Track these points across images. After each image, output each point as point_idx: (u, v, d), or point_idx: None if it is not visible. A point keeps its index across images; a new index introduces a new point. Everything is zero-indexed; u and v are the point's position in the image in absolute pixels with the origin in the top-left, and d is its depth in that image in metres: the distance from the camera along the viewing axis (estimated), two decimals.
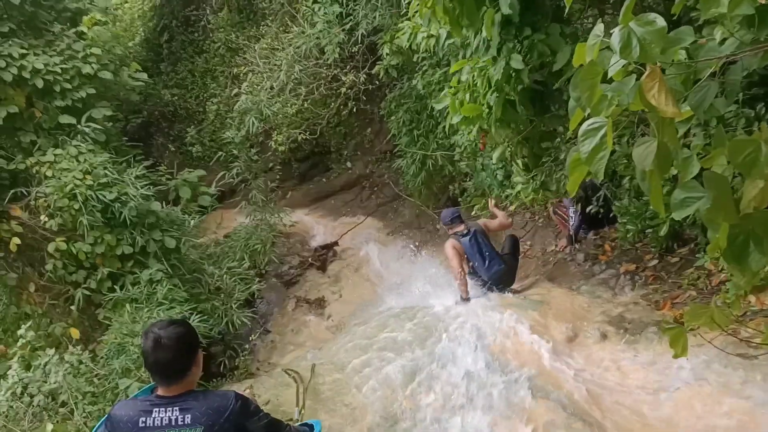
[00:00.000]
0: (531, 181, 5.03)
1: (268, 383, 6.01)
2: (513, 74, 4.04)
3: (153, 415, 2.26)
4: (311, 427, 2.77)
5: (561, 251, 6.74)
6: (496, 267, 5.83)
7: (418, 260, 10.05)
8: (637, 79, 1.82)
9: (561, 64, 3.98)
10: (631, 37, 1.73)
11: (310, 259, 10.99)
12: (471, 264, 5.93)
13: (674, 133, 1.86)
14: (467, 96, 4.31)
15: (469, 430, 3.75)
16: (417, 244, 10.70)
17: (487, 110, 4.18)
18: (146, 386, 2.70)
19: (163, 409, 2.27)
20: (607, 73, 1.89)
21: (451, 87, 4.74)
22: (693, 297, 4.52)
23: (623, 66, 1.86)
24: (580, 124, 1.95)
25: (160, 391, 2.34)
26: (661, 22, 1.73)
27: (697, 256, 4.93)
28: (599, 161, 1.75)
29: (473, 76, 4.16)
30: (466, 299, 5.69)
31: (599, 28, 1.89)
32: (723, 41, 1.98)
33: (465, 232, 5.99)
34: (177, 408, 2.26)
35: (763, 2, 1.78)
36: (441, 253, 9.70)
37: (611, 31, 1.81)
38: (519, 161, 5.17)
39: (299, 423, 2.97)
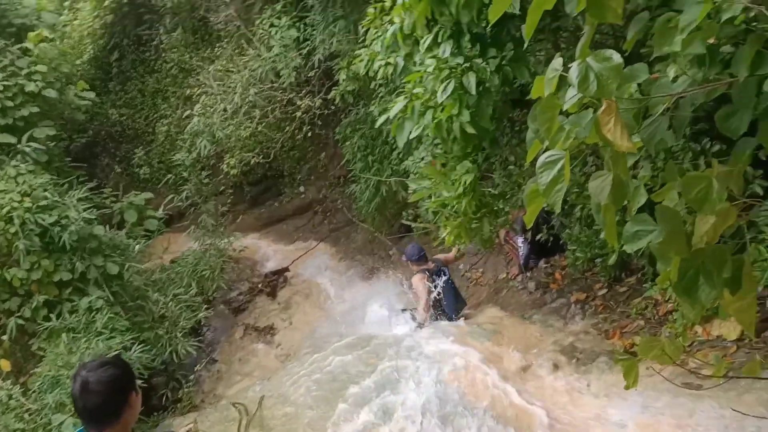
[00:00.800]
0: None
1: (213, 417, 5.76)
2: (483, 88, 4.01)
3: None
4: None
5: (512, 279, 6.79)
6: (462, 303, 6.45)
7: (370, 286, 9.97)
8: (593, 112, 1.83)
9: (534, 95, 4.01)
10: (589, 72, 1.74)
11: (260, 285, 10.75)
12: (439, 299, 6.25)
13: (626, 166, 1.88)
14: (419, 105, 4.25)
15: None
16: (369, 270, 10.65)
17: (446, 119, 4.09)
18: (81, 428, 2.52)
19: None
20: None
21: (402, 94, 4.66)
22: (641, 326, 4.60)
23: (578, 99, 1.88)
24: (537, 155, 1.94)
25: None
26: (617, 58, 1.75)
27: (644, 286, 5.02)
28: (557, 193, 1.74)
29: (432, 81, 4.08)
30: (421, 324, 6.12)
31: (557, 62, 1.90)
32: (675, 78, 2.03)
33: (436, 270, 6.32)
34: None
35: (713, 42, 1.83)
36: (392, 278, 9.71)
37: (569, 66, 1.82)
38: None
39: None
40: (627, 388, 1.94)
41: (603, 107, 1.74)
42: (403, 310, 7.01)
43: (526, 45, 3.06)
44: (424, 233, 8.66)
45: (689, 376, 3.28)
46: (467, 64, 4.05)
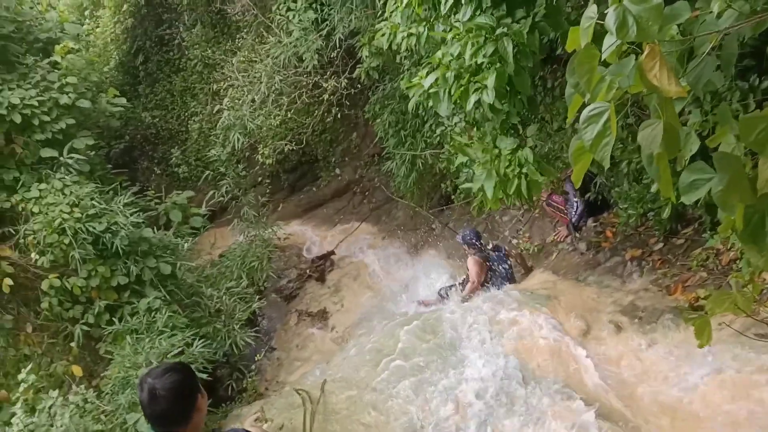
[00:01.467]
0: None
1: (279, 404, 5.88)
2: (519, 50, 3.76)
3: None
4: None
5: (561, 241, 6.64)
6: (510, 281, 6.52)
7: (416, 262, 9.96)
8: (635, 59, 1.73)
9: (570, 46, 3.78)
10: (627, 16, 1.65)
11: (308, 271, 10.88)
12: (492, 278, 6.52)
13: (675, 112, 1.78)
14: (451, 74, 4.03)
15: None
16: (414, 245, 10.63)
17: (478, 89, 3.88)
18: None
19: None
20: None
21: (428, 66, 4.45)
22: (704, 278, 4.39)
23: (617, 47, 1.78)
24: (580, 110, 1.86)
25: None
26: None
27: (703, 236, 4.79)
28: (604, 148, 1.66)
29: (461, 46, 3.85)
30: (464, 299, 6.25)
31: (592, 9, 1.80)
32: (719, 15, 1.90)
33: (498, 248, 6.67)
34: None
35: None
36: (439, 251, 9.67)
37: (604, 12, 1.73)
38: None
39: None
40: (701, 346, 1.86)
41: (646, 52, 1.64)
42: (440, 292, 7.23)
43: None
44: (466, 203, 8.57)
45: (762, 326, 3.12)
46: (503, 29, 3.79)
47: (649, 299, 4.54)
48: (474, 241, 6.64)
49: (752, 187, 1.66)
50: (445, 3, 4.11)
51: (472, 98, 3.78)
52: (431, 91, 4.12)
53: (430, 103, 4.24)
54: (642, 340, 4.11)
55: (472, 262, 6.53)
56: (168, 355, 6.69)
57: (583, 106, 1.84)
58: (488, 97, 3.69)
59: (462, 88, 3.85)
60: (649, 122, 1.66)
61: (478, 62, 3.76)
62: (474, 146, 4.42)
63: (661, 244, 5.14)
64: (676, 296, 4.46)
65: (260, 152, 9.60)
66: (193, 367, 6.58)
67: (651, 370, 3.90)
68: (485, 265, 6.51)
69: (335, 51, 8.83)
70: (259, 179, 11.03)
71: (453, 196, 9.19)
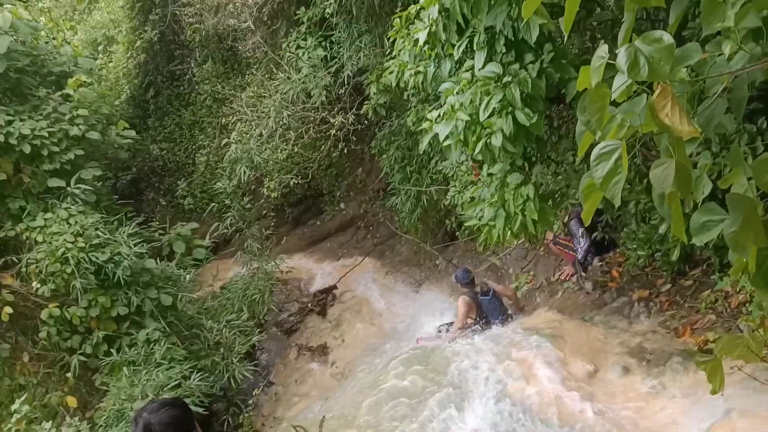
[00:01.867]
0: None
1: None
2: (527, 95, 3.84)
3: None
4: None
5: (567, 279, 6.58)
6: (508, 317, 6.67)
7: (419, 298, 9.88)
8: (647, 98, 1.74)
9: (578, 88, 3.85)
10: (639, 56, 1.65)
11: (309, 305, 10.77)
12: (482, 317, 6.66)
13: (686, 153, 1.78)
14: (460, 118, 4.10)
15: None
16: (417, 281, 10.55)
17: (486, 133, 3.96)
18: None
19: None
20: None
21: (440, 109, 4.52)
22: (713, 321, 4.29)
23: (627, 87, 1.79)
24: (590, 148, 1.85)
25: None
26: (668, 39, 1.66)
27: (711, 278, 4.72)
28: (615, 185, 1.64)
29: (472, 95, 3.93)
30: (453, 339, 6.34)
31: (604, 49, 1.82)
32: (730, 57, 1.91)
33: (485, 290, 6.77)
34: None
35: None
36: (442, 288, 9.61)
37: (616, 52, 1.74)
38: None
39: None
40: (713, 392, 1.80)
41: (657, 91, 1.64)
42: (440, 328, 7.38)
43: (565, 38, 2.95)
44: (470, 239, 8.54)
45: None
46: (508, 78, 3.90)
47: (657, 341, 4.43)
48: (465, 281, 6.82)
49: (766, 230, 1.63)
50: (458, 49, 4.20)
51: (481, 143, 3.83)
52: (444, 144, 4.18)
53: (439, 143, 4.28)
54: (650, 384, 3.99)
55: (460, 302, 6.75)
56: (165, 388, 6.60)
57: (594, 144, 1.84)
58: (497, 140, 3.75)
59: (475, 137, 3.91)
60: (661, 161, 1.65)
61: (489, 111, 3.82)
62: (481, 184, 4.43)
63: (668, 285, 5.06)
64: (684, 339, 4.37)
65: (266, 185, 9.65)
66: (189, 401, 6.53)
67: (660, 414, 3.77)
68: (473, 305, 6.68)
69: (343, 87, 8.95)
70: (264, 212, 11.04)
71: (458, 233, 9.16)
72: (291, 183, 9.81)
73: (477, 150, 3.87)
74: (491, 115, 3.98)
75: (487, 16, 3.84)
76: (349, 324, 10.14)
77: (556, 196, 4.45)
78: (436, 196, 8.72)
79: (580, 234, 6.18)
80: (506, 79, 3.89)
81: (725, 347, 1.89)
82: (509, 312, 6.80)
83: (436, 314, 8.75)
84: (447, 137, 4.09)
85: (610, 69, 1.81)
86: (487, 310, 6.66)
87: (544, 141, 4.35)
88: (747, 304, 4.14)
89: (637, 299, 5.13)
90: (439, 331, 7.35)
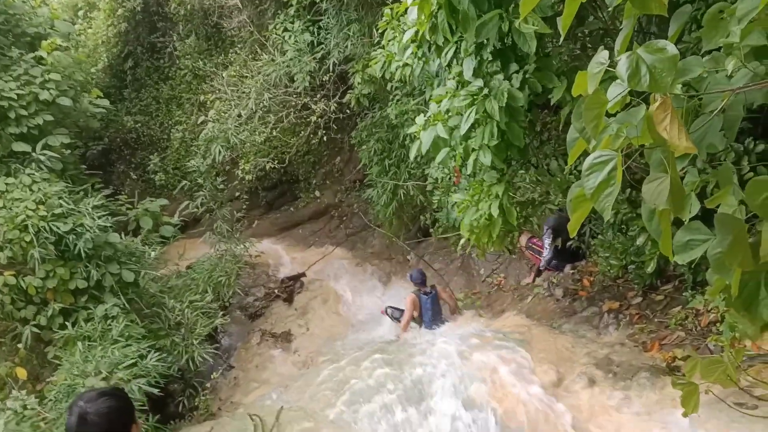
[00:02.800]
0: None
1: (231, 427, 5.62)
2: (508, 106, 3.83)
3: None
4: None
5: (531, 284, 6.61)
6: (440, 322, 7.25)
7: (388, 291, 9.82)
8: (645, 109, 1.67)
9: (557, 98, 3.83)
10: (641, 65, 1.59)
11: (276, 291, 10.64)
12: (420, 315, 7.34)
13: (677, 170, 1.72)
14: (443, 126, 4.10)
15: None
16: (387, 274, 10.50)
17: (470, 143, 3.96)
18: None
19: None
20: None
21: (424, 113, 4.52)
22: (681, 338, 4.27)
23: (622, 97, 1.73)
24: (580, 157, 1.79)
25: None
26: (672, 49, 1.60)
27: (683, 294, 4.70)
28: (607, 198, 1.58)
29: (457, 104, 3.92)
30: (397, 337, 7.20)
31: (603, 55, 1.75)
32: (732, 73, 1.86)
33: (428, 291, 7.39)
34: None
35: None
36: (411, 283, 9.58)
37: (617, 59, 1.67)
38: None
39: None
40: (685, 415, 1.77)
41: (657, 103, 1.58)
42: (393, 309, 8.02)
43: (561, 39, 2.90)
44: (443, 238, 8.51)
45: (742, 395, 2.99)
46: (487, 91, 3.90)
47: (624, 354, 4.41)
48: (418, 281, 7.48)
49: (755, 254, 1.59)
50: (446, 55, 4.16)
51: (472, 158, 3.81)
52: (437, 160, 4.15)
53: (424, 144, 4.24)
54: (615, 397, 3.93)
55: (408, 299, 7.41)
56: (120, 366, 6.41)
57: (585, 153, 1.78)
58: (486, 158, 3.73)
59: (462, 150, 3.88)
60: (655, 176, 1.59)
61: (470, 123, 3.80)
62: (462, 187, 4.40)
63: (639, 299, 5.04)
64: (652, 354, 4.34)
65: (241, 167, 9.47)
66: (144, 381, 6.36)
67: (623, 429, 3.72)
68: (417, 303, 7.32)
69: (328, 74, 8.82)
70: (237, 194, 10.84)
71: (431, 230, 9.13)
72: (267, 167, 9.65)
73: (469, 170, 3.85)
74: (473, 126, 3.97)
75: (476, 33, 3.80)
76: (315, 313, 10.03)
77: (536, 202, 4.41)
78: (412, 192, 8.66)
79: (548, 243, 6.21)
80: (485, 91, 3.90)
81: (703, 371, 1.85)
82: (443, 318, 7.34)
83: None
84: (431, 147, 4.05)
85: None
86: (423, 310, 7.31)
87: (526, 147, 4.32)
88: (717, 324, 4.13)
89: (607, 310, 5.11)
90: (387, 312, 8.10)
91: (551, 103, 4.31)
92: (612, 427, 3.72)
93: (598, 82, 1.70)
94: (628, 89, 1.68)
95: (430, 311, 7.25)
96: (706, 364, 1.84)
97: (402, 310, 7.61)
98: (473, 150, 3.96)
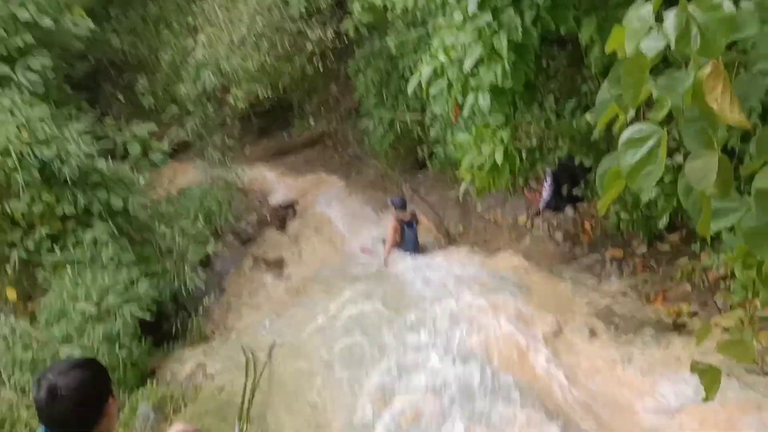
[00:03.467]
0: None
1: (223, 353, 5.67)
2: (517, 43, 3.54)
3: None
4: None
5: (529, 221, 6.51)
6: (414, 249, 7.67)
7: (381, 221, 9.74)
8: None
9: (586, 40, 3.54)
10: (691, 25, 1.40)
11: (268, 217, 10.55)
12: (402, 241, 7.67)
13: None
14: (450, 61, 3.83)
15: None
16: (381, 205, 10.39)
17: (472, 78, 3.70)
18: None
19: None
20: None
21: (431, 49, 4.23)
22: (687, 292, 4.17)
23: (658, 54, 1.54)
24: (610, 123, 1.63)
25: None
26: (728, 6, 1.40)
27: (692, 247, 4.46)
28: (646, 177, 1.42)
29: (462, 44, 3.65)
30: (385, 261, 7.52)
31: (646, 8, 1.55)
32: None
33: (409, 221, 7.71)
34: None
35: None
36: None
37: (664, 13, 1.47)
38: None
39: None
40: (706, 400, 1.69)
41: (709, 70, 1.40)
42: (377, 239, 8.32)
43: None
44: (440, 171, 8.36)
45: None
46: (496, 25, 3.58)
47: (627, 305, 4.30)
48: (398, 205, 7.81)
49: None
50: None
51: (469, 98, 3.55)
52: (432, 94, 3.88)
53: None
54: (617, 353, 3.85)
55: (390, 227, 7.70)
56: (111, 291, 6.38)
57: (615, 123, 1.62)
58: (485, 101, 3.47)
59: (461, 87, 3.61)
60: (699, 154, 1.43)
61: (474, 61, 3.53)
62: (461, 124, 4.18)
63: (644, 248, 4.85)
64: (656, 306, 4.21)
65: (233, 93, 9.08)
66: (136, 306, 6.36)
67: (625, 387, 3.62)
68: (398, 229, 7.62)
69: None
70: (228, 119, 10.48)
71: (428, 162, 8.95)
72: (260, 94, 9.27)
73: (467, 112, 3.61)
74: (477, 64, 3.70)
75: None
76: (307, 241, 9.99)
77: (543, 150, 4.22)
78: (410, 124, 8.41)
79: (548, 184, 6.06)
80: (495, 26, 3.59)
81: (721, 348, 1.78)
82: (423, 245, 7.80)
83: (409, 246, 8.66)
84: (431, 83, 3.79)
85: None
86: (406, 237, 7.64)
87: (533, 87, 4.08)
88: (726, 280, 3.97)
89: (610, 258, 4.94)
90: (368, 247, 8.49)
91: (564, 40, 4.04)
92: (614, 383, 3.65)
93: (638, 42, 1.51)
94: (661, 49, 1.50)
95: (411, 242, 7.62)
96: (728, 344, 1.76)
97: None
98: (472, 89, 3.73)
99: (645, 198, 1.37)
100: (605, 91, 1.71)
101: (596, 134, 3.53)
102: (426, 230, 8.19)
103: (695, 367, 1.66)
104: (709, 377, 1.64)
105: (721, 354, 1.74)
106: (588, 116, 4.25)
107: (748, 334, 1.72)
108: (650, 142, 1.40)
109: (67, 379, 1.78)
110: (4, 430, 4.89)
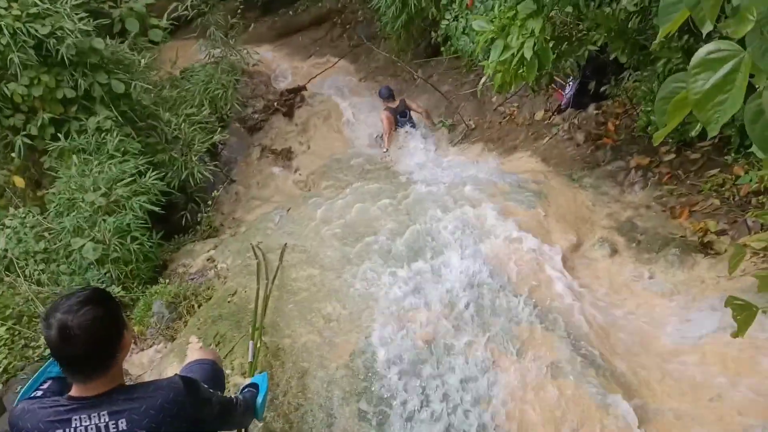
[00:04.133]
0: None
1: (233, 248, 5.64)
2: None
3: (73, 425, 1.70)
4: (257, 386, 2.36)
5: (550, 119, 6.18)
6: (410, 127, 8.25)
7: (428, 112, 9.40)
8: None
9: None
10: None
11: (275, 104, 10.22)
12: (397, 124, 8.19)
13: None
14: None
15: (468, 365, 3.19)
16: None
17: None
18: (43, 370, 2.09)
19: (86, 415, 1.71)
20: None
21: None
22: (715, 207, 3.88)
23: None
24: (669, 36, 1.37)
25: (75, 391, 1.75)
26: None
27: (725, 158, 4.11)
28: (718, 107, 1.20)
29: None
30: (386, 150, 8.04)
31: None
32: None
33: (401, 110, 8.18)
34: (105, 412, 1.71)
35: None
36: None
37: None
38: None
39: (244, 387, 2.46)
40: (736, 336, 1.59)
41: None
42: (379, 136, 8.64)
43: None
44: (455, 58, 7.90)
45: None
46: None
47: (650, 219, 4.07)
48: (386, 96, 8.23)
49: None
50: None
51: None
52: None
53: None
54: (639, 272, 3.67)
55: (383, 117, 8.13)
56: (118, 183, 6.29)
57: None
58: None
59: None
60: None
61: None
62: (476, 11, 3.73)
63: (672, 155, 4.52)
64: (681, 221, 3.96)
65: None
66: (145, 198, 6.28)
67: (645, 309, 3.47)
68: (392, 117, 8.08)
69: None
70: None
71: (442, 48, 8.44)
72: None
73: None
74: None
75: None
76: (316, 130, 9.73)
77: (574, 40, 3.82)
78: (424, 3, 7.81)
79: (573, 79, 5.64)
80: None
81: (762, 283, 1.65)
82: (416, 125, 8.28)
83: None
84: None
85: None
86: (399, 124, 8.17)
87: None
88: (760, 196, 3.71)
89: (635, 166, 4.63)
90: (376, 139, 8.75)
91: None
92: (633, 304, 3.53)
93: None
94: None
95: (407, 124, 8.21)
96: (765, 277, 1.63)
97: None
98: None
99: (712, 133, 1.16)
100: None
101: (655, 44, 3.15)
102: (417, 117, 8.44)
103: (731, 302, 1.53)
104: (745, 315, 1.51)
105: (761, 291, 1.60)
106: (625, 1, 3.83)
107: None
108: (728, 65, 1.17)
109: (78, 318, 1.65)
110: (22, 323, 4.98)
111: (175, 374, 1.92)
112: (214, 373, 2.26)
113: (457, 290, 3.55)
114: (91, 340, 1.66)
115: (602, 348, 3.10)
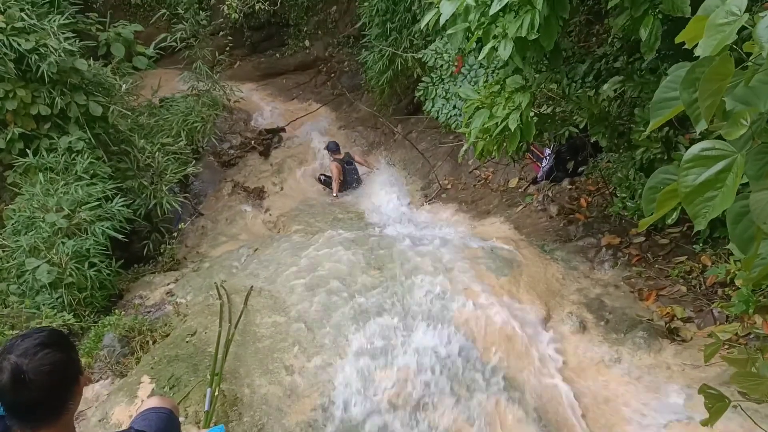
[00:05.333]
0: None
1: (195, 284, 5.50)
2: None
3: None
4: None
5: (525, 189, 6.30)
6: (356, 184, 9.08)
7: (368, 162, 9.50)
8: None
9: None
10: None
11: (253, 142, 10.22)
12: (345, 179, 8.94)
13: None
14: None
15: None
16: (370, 144, 10.12)
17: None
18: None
19: None
20: None
21: None
22: (682, 293, 3.99)
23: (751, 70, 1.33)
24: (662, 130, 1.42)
25: None
26: None
27: (693, 247, 4.25)
28: (706, 204, 1.24)
29: None
30: (336, 195, 8.80)
31: (737, 2, 1.31)
32: None
33: (347, 160, 9.00)
34: None
35: None
36: (394, 158, 9.32)
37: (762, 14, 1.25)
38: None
39: None
40: (704, 424, 1.59)
41: None
42: (319, 176, 9.43)
43: None
44: (435, 117, 8.07)
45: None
46: None
47: (618, 299, 4.14)
48: (332, 149, 9.07)
49: None
50: None
51: (488, 47, 3.21)
52: (448, 32, 3.50)
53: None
54: (607, 352, 3.70)
55: (333, 167, 8.90)
56: (83, 206, 6.12)
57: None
58: (505, 51, 3.13)
59: (483, 30, 3.26)
60: (766, 187, 1.24)
61: (503, 3, 3.14)
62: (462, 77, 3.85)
63: (642, 238, 4.64)
64: (648, 304, 4.06)
65: (227, 3, 8.53)
66: (109, 224, 6.11)
67: (611, 391, 3.48)
68: (340, 167, 8.82)
69: None
70: (220, 31, 9.91)
71: (424, 107, 8.63)
72: (256, 6, 8.73)
73: (482, 55, 3.27)
74: (504, 9, 3.33)
75: None
76: (290, 172, 9.72)
77: (557, 119, 3.95)
78: (410, 63, 8.02)
79: (548, 152, 5.80)
80: None
81: (735, 378, 1.66)
82: (360, 179, 9.08)
83: (384, 185, 8.47)
84: (449, 21, 3.43)
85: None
86: (348, 175, 8.90)
87: (560, 51, 3.76)
88: (725, 287, 3.81)
89: (606, 245, 4.74)
90: (319, 180, 9.38)
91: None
92: (600, 384, 3.54)
93: (724, 44, 1.28)
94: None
95: (353, 176, 8.99)
96: (738, 375, 1.65)
97: (330, 177, 9.09)
98: (494, 37, 3.42)
99: (700, 226, 1.19)
100: (667, 90, 1.50)
101: (643, 136, 3.27)
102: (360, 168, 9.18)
103: (704, 391, 1.54)
104: (717, 406, 1.52)
105: (733, 383, 1.62)
106: (606, 87, 4.01)
107: (764, 367, 1.59)
108: (721, 164, 1.21)
109: (34, 362, 1.51)
110: None
111: (131, 427, 1.80)
112: (171, 424, 2.13)
113: (424, 353, 3.49)
114: (46, 386, 1.53)
115: (567, 428, 3.06)
